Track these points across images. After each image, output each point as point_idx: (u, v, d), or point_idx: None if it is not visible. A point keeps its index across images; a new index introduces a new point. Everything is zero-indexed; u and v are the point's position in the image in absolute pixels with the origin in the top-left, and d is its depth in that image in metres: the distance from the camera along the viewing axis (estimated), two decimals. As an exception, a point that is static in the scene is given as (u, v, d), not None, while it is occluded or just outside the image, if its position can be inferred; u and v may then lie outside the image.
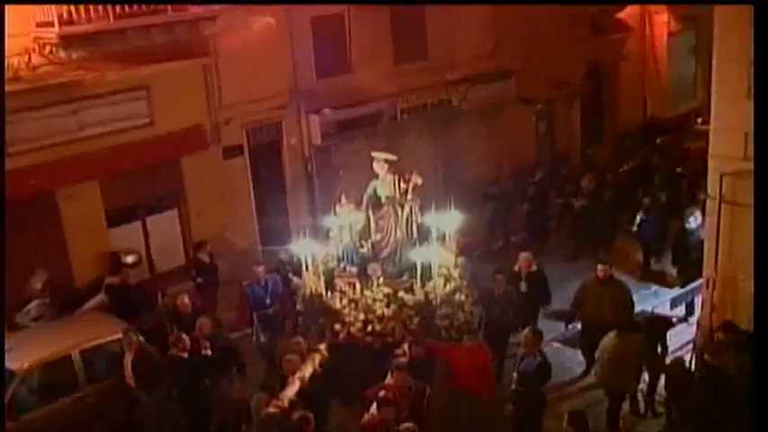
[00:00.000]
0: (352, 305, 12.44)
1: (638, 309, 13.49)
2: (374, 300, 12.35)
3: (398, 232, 13.04)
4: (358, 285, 12.60)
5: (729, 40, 11.11)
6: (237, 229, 17.83)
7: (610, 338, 11.60)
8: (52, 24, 14.01)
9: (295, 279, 13.29)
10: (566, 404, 11.60)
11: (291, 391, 10.27)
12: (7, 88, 13.40)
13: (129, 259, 15.86)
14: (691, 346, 12.92)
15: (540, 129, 24.35)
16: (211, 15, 15.80)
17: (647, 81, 26.80)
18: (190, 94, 16.70)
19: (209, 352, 11.77)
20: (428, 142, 20.93)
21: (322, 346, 11.57)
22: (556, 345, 14.27)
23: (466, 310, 12.55)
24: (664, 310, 14.22)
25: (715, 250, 11.90)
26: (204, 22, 15.77)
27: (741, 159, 11.12)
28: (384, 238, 13.09)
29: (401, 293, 12.41)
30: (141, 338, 12.22)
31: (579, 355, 13.63)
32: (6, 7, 13.24)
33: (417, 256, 12.41)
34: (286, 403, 9.95)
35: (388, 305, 12.30)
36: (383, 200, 13.05)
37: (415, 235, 13.14)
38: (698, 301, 13.81)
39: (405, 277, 12.79)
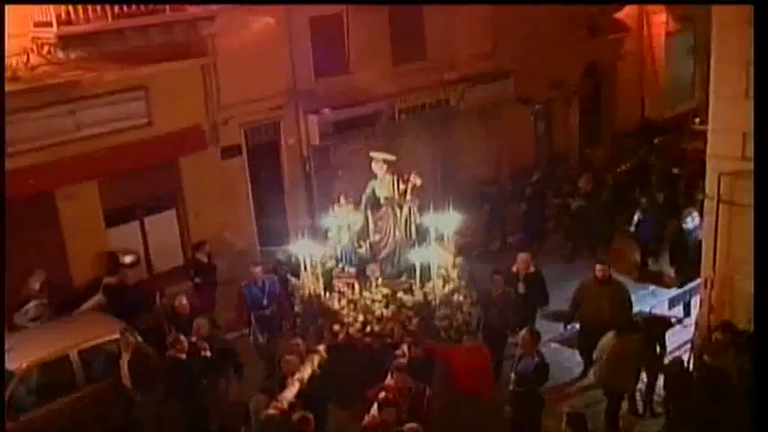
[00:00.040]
0: (351, 306, 12.42)
1: (636, 309, 13.49)
2: (373, 300, 12.33)
3: (397, 233, 13.02)
4: (357, 286, 12.59)
5: (727, 39, 11.11)
6: (236, 230, 17.82)
7: (608, 338, 11.60)
8: (50, 24, 14.00)
9: (293, 280, 13.26)
10: (564, 404, 11.56)
11: (291, 392, 10.25)
12: (5, 88, 13.38)
13: (128, 259, 15.85)
14: (689, 346, 12.93)
15: (539, 129, 24.39)
16: (209, 15, 15.80)
17: (644, 81, 26.86)
18: (188, 94, 16.70)
19: (208, 353, 11.76)
20: (426, 142, 20.95)
21: (321, 347, 11.55)
22: (554, 345, 14.27)
23: (464, 310, 12.54)
24: (662, 310, 14.22)
25: (713, 250, 11.89)
26: (202, 22, 15.77)
27: (739, 159, 11.12)
28: (383, 238, 13.09)
29: (400, 294, 12.39)
30: (139, 339, 12.22)
31: (577, 356, 13.63)
32: (6, 7, 13.23)
33: (416, 256, 12.40)
34: (285, 405, 9.93)
35: (386, 306, 12.29)
36: (382, 200, 13.03)
37: (413, 235, 13.13)
38: (695, 301, 13.81)
39: (403, 278, 12.78)
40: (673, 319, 13.77)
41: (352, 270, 13.01)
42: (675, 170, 20.65)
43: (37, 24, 14.30)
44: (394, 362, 10.75)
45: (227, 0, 16.09)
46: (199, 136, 16.98)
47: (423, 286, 12.38)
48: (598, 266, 13.16)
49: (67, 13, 14.08)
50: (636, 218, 17.57)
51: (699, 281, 12.93)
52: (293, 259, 13.69)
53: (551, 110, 24.41)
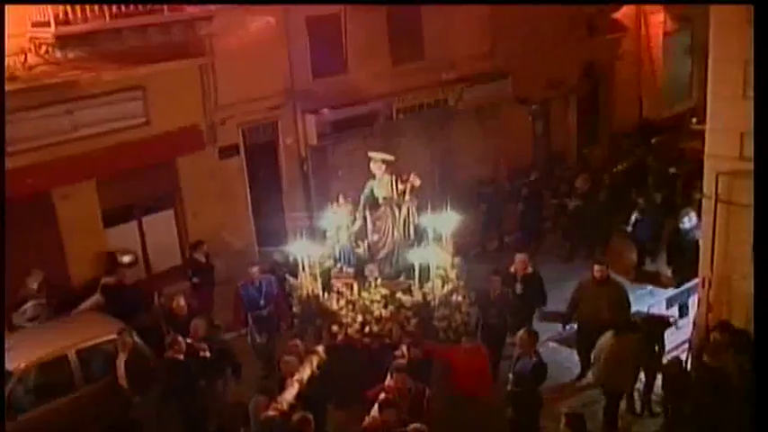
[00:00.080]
0: (350, 306, 12.39)
1: (633, 308, 13.49)
2: (372, 301, 12.31)
3: (395, 233, 12.99)
4: (355, 286, 12.57)
5: (725, 39, 11.11)
6: (234, 229, 17.82)
7: (607, 338, 11.61)
8: (48, 24, 14.00)
9: (291, 280, 13.25)
10: (562, 404, 11.59)
11: (290, 393, 10.22)
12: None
13: (126, 259, 15.85)
14: (686, 345, 12.94)
15: (537, 129, 24.39)
16: (207, 15, 15.79)
17: (642, 81, 26.86)
18: (186, 93, 16.69)
19: (207, 354, 11.75)
20: (424, 142, 20.96)
21: (319, 348, 11.53)
22: (552, 344, 14.30)
23: (463, 311, 12.51)
24: (659, 309, 14.23)
25: (711, 250, 11.89)
26: (200, 22, 15.76)
27: (737, 159, 11.12)
28: (381, 238, 13.05)
29: (399, 294, 12.37)
30: (137, 339, 12.21)
31: (575, 355, 13.63)
32: (6, 7, 13.23)
33: (415, 256, 12.38)
34: (285, 406, 9.91)
35: (385, 306, 12.26)
36: (380, 200, 13.00)
37: (412, 236, 13.11)
38: (692, 300, 13.81)
39: (402, 278, 12.76)
40: (671, 319, 13.78)
41: (351, 270, 12.99)
42: (672, 170, 20.65)
43: (35, 24, 14.29)
44: (393, 362, 10.73)
45: (226, 0, 16.08)
46: (197, 136, 16.97)
47: (421, 287, 12.35)
48: (596, 267, 13.16)
49: (65, 12, 14.07)
50: (633, 218, 17.58)
51: (696, 281, 12.94)
52: (291, 259, 13.67)
53: (549, 110, 24.43)
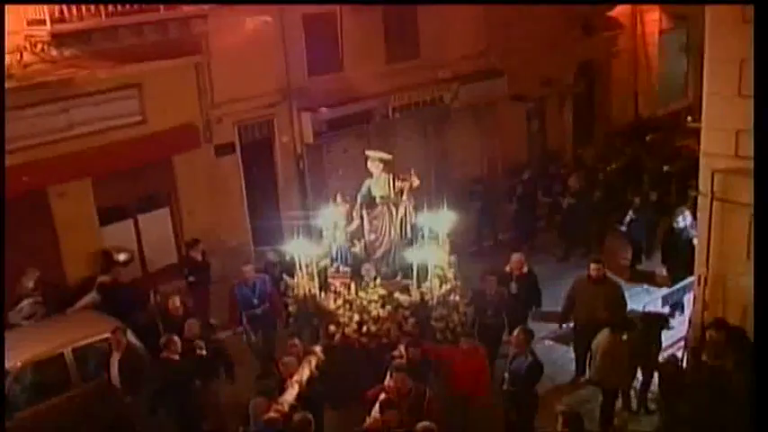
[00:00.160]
0: (347, 306, 12.37)
1: (629, 307, 13.50)
2: (369, 300, 12.29)
3: (392, 232, 12.98)
4: (352, 286, 12.55)
5: (721, 37, 11.11)
6: (229, 227, 17.82)
7: (603, 336, 11.63)
8: (44, 22, 13.99)
9: (288, 279, 13.24)
10: (558, 402, 11.61)
11: (291, 395, 10.18)
12: (0, 86, 13.40)
13: (122, 257, 15.82)
14: (682, 343, 12.96)
15: (533, 127, 24.40)
16: (203, 13, 15.79)
17: (638, 79, 26.87)
18: (182, 92, 16.69)
19: (204, 352, 11.74)
20: (420, 140, 20.96)
21: (318, 348, 11.51)
22: (548, 342, 14.32)
23: (460, 311, 12.50)
24: (655, 307, 14.25)
25: (707, 247, 11.91)
26: (196, 20, 15.78)
27: (733, 157, 11.14)
28: (378, 238, 13.04)
29: (396, 294, 12.35)
30: (132, 338, 12.19)
31: (571, 353, 13.65)
32: (6, 7, 13.23)
33: (413, 256, 12.35)
34: (286, 408, 9.90)
35: (383, 306, 12.24)
36: (378, 199, 12.98)
37: (409, 235, 13.09)
38: (688, 298, 13.83)
39: (398, 277, 12.76)
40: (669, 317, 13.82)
41: (347, 270, 12.97)
42: (666, 168, 20.68)
43: (30, 22, 14.27)
44: (393, 362, 10.70)
45: (224, 0, 16.07)
46: (192, 134, 16.96)
47: (420, 286, 12.33)
48: (593, 265, 13.14)
49: (61, 11, 14.07)
50: (628, 217, 17.59)
51: (691, 278, 12.97)
52: (288, 258, 13.66)
53: (545, 108, 24.43)
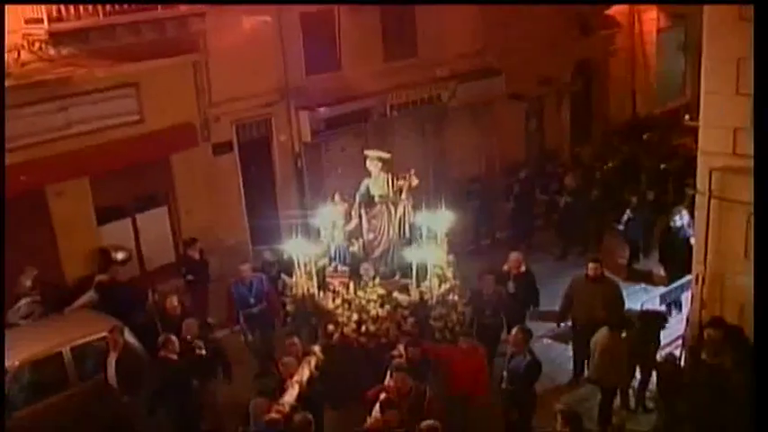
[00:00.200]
0: (345, 305, 12.35)
1: (627, 306, 13.51)
2: (368, 300, 12.27)
3: (391, 231, 12.95)
4: (351, 285, 12.53)
5: (719, 36, 11.12)
6: (227, 226, 17.81)
7: (602, 334, 11.63)
8: (42, 21, 14.00)
9: (286, 278, 13.22)
10: (556, 401, 11.61)
11: (291, 395, 10.16)
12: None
13: (120, 256, 15.83)
14: (680, 341, 12.97)
15: (530, 126, 24.40)
16: (200, 12, 15.78)
17: (636, 77, 26.88)
18: (179, 90, 16.69)
19: (203, 352, 11.73)
20: (418, 139, 20.95)
21: (317, 348, 11.48)
22: (546, 341, 14.32)
23: (459, 310, 12.49)
24: (653, 306, 14.25)
25: (704, 246, 11.92)
26: (193, 19, 15.79)
27: (730, 155, 11.15)
28: (377, 237, 13.00)
29: (395, 293, 12.34)
30: (130, 337, 12.17)
31: (569, 351, 13.66)
32: (6, 7, 13.23)
33: (412, 255, 12.33)
34: (287, 408, 9.88)
35: (382, 305, 12.22)
36: (376, 198, 12.95)
37: (407, 234, 13.07)
38: (686, 297, 13.84)
39: (397, 277, 12.74)
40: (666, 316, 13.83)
41: (345, 269, 12.96)
42: (662, 166, 20.68)
43: (28, 21, 14.26)
44: (393, 362, 10.69)
45: (222, 0, 16.06)
46: (190, 133, 16.96)
47: (419, 285, 12.31)
48: (591, 264, 13.13)
49: (59, 9, 14.06)
50: (625, 216, 17.59)
51: (689, 277, 12.98)
52: (285, 257, 13.65)
53: (543, 107, 24.44)
